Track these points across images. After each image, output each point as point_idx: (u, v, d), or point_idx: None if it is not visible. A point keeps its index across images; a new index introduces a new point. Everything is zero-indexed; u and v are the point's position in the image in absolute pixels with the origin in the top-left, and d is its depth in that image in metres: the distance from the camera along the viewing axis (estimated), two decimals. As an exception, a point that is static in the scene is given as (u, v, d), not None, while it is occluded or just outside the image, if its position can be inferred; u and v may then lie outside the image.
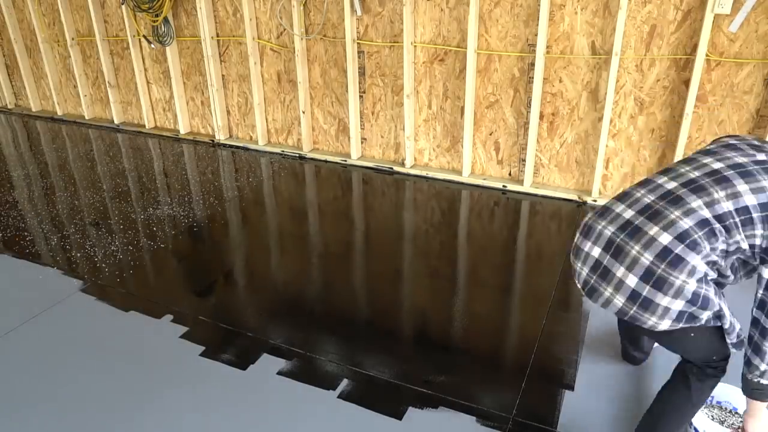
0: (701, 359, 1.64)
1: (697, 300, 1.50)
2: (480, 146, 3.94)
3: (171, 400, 2.10)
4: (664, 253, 1.47)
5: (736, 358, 1.63)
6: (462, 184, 3.96)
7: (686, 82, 3.22)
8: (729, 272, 1.60)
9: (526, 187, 3.80)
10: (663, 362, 2.24)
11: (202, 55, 4.63)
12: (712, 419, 1.93)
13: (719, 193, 1.48)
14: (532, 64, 3.51)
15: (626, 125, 3.46)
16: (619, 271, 1.53)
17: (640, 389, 2.11)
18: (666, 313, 1.51)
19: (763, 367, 1.50)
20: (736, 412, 1.94)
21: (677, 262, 1.46)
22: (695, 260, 1.47)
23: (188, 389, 2.15)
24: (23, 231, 3.38)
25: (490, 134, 3.87)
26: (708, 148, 1.69)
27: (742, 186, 1.47)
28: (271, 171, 4.29)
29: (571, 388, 2.12)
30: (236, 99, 4.73)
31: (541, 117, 3.65)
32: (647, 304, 1.51)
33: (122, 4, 4.70)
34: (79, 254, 3.10)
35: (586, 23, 3.33)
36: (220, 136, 4.85)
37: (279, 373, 2.22)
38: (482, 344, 2.38)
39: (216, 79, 4.64)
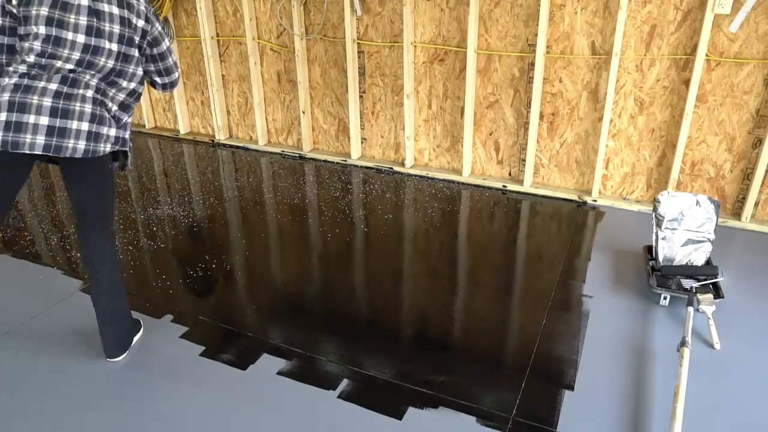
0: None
1: None
2: (480, 146, 3.94)
3: (171, 400, 2.10)
4: None
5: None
6: (462, 184, 3.96)
7: (686, 82, 3.22)
8: None
9: (526, 187, 3.80)
10: (664, 362, 2.24)
11: (202, 55, 4.63)
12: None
13: None
14: (532, 64, 3.51)
15: (626, 125, 3.47)
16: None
17: (640, 389, 2.11)
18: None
19: None
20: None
21: None
22: None
23: (188, 389, 2.15)
24: (23, 231, 3.38)
25: (490, 134, 3.87)
26: None
27: None
28: (271, 171, 4.29)
29: (571, 388, 2.12)
30: (236, 99, 4.73)
31: (541, 117, 3.65)
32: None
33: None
34: (79, 254, 3.09)
35: (586, 23, 3.33)
36: (220, 136, 4.85)
37: (279, 373, 2.22)
38: (482, 344, 2.38)
39: (216, 79, 4.64)
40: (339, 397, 2.10)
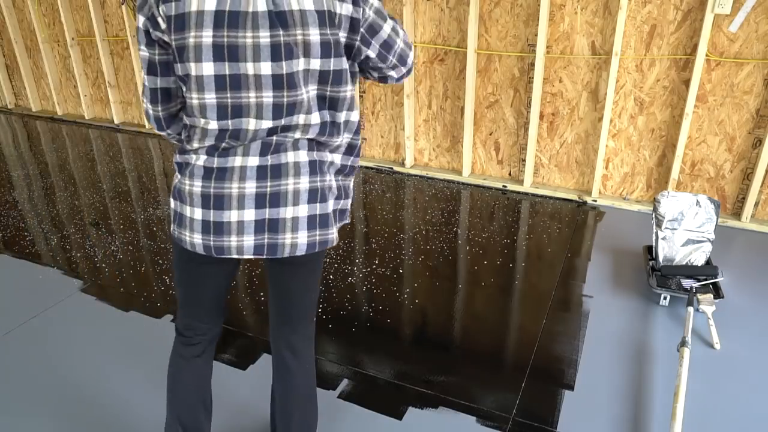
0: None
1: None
2: (480, 146, 3.94)
3: (171, 400, 2.10)
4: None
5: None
6: (462, 184, 3.96)
7: (686, 82, 3.22)
8: None
9: (526, 187, 3.80)
10: (664, 362, 2.24)
11: (202, 55, 4.62)
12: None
13: None
14: (532, 64, 3.51)
15: (626, 125, 3.46)
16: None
17: (640, 389, 2.11)
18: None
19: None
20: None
21: None
22: None
23: (188, 389, 2.15)
24: (23, 231, 3.38)
25: (490, 134, 3.87)
26: None
27: None
28: (271, 171, 4.28)
29: (571, 388, 2.12)
30: (236, 99, 4.72)
31: (541, 117, 3.65)
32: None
33: (122, 4, 4.70)
34: (79, 254, 3.10)
35: (586, 23, 3.33)
36: (220, 136, 4.85)
37: (279, 373, 2.22)
38: (482, 344, 2.38)
39: (216, 79, 4.64)
40: (339, 397, 2.10)
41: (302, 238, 1.35)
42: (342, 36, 1.27)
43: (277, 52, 1.21)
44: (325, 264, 2.98)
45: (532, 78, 3.53)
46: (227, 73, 1.21)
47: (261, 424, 2.00)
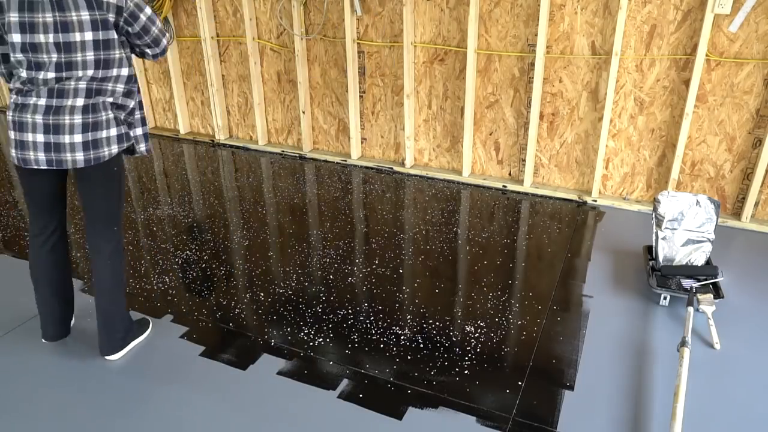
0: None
1: None
2: (480, 146, 3.94)
3: (171, 400, 2.10)
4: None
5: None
6: (462, 184, 3.96)
7: (686, 82, 3.22)
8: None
9: (526, 187, 3.80)
10: (664, 362, 2.24)
11: (202, 55, 4.63)
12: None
13: None
14: (532, 64, 3.51)
15: (626, 125, 3.47)
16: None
17: (640, 389, 2.11)
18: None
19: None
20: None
21: None
22: None
23: (188, 389, 2.15)
24: (23, 231, 3.38)
25: (490, 134, 3.87)
26: None
27: None
28: (271, 171, 4.29)
29: (571, 388, 2.12)
30: (236, 99, 4.73)
31: (541, 117, 3.65)
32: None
33: None
34: (79, 254, 3.09)
35: (586, 23, 3.33)
36: (220, 136, 4.85)
37: (279, 373, 2.23)
38: (482, 344, 2.38)
39: (216, 79, 4.64)
40: (339, 397, 2.10)
41: (79, 156, 1.96)
42: (110, 17, 1.90)
43: (57, 27, 1.84)
44: (325, 264, 2.98)
45: (532, 78, 3.53)
46: (28, 41, 1.85)
47: (260, 423, 2.00)
